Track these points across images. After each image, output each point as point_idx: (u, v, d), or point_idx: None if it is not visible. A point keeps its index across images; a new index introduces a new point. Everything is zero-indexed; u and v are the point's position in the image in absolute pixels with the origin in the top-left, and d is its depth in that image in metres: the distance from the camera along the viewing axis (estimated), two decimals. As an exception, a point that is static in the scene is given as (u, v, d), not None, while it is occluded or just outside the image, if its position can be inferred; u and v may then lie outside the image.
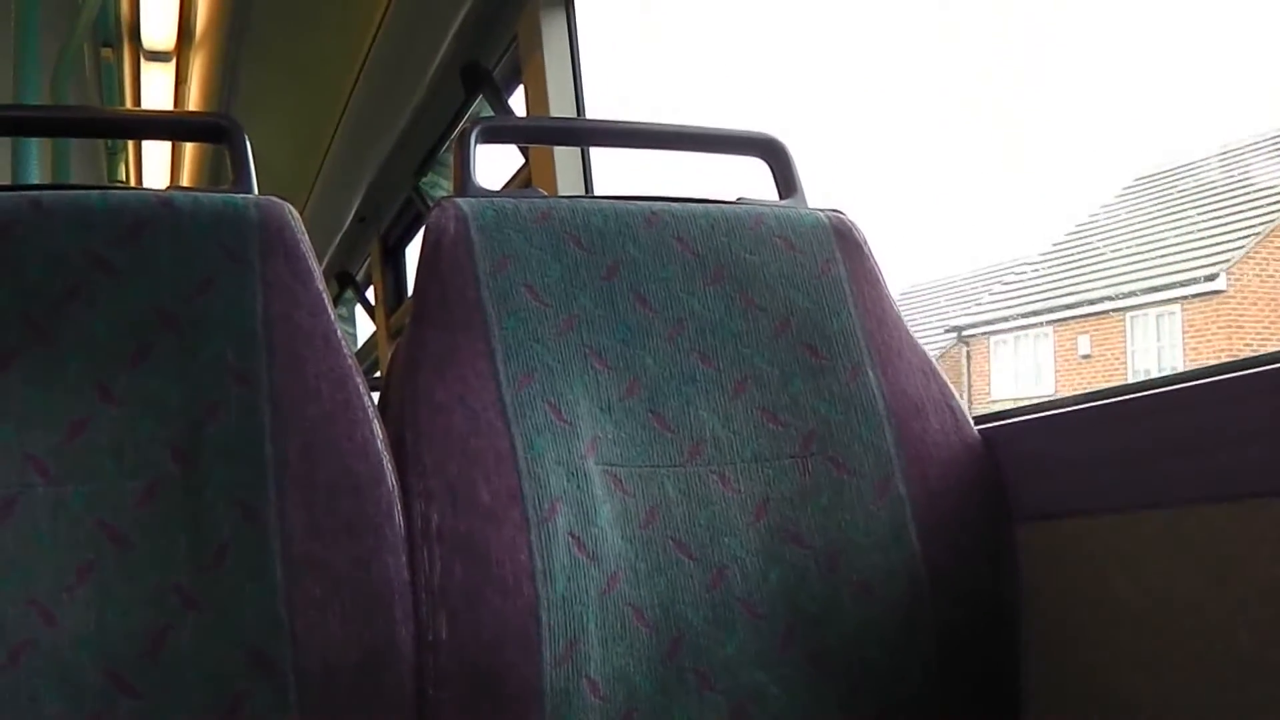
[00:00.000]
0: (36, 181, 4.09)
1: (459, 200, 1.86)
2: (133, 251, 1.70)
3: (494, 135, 2.04)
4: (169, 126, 2.22)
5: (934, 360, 1.97)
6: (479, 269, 1.80)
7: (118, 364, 1.65)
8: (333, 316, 1.73)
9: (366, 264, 5.86)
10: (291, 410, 1.65)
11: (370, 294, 5.92)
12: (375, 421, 1.69)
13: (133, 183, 6.68)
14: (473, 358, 1.74)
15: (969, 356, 21.50)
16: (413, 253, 5.52)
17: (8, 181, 4.05)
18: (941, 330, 22.29)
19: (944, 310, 23.62)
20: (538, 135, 2.66)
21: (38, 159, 4.03)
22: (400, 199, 5.03)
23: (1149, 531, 1.64)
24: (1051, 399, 1.97)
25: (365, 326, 6.42)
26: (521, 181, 3.64)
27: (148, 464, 1.61)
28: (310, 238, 1.79)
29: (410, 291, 5.58)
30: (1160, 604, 1.63)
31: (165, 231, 1.72)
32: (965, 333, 21.76)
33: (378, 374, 5.67)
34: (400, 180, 4.78)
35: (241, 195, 1.78)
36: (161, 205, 1.73)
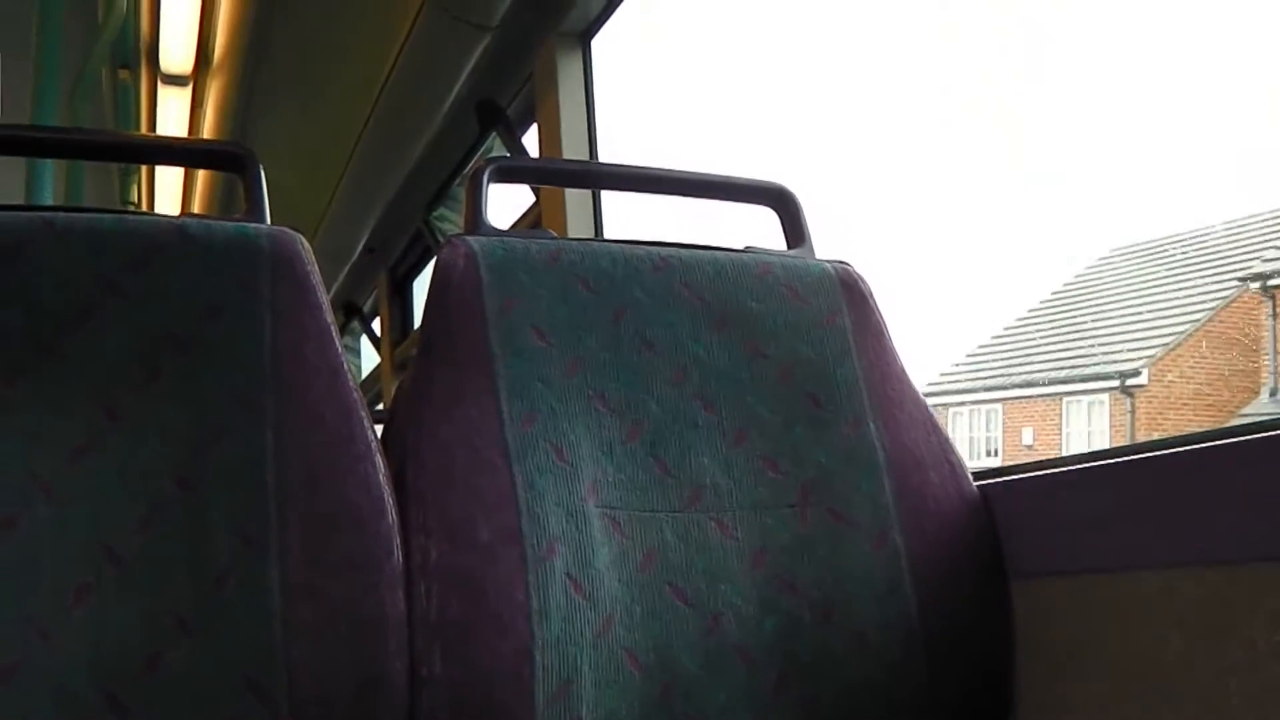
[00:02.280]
0: (50, 201, 4.11)
1: (469, 238, 1.87)
2: (144, 276, 1.71)
3: (507, 175, 2.05)
4: (185, 153, 2.24)
5: (935, 414, 1.98)
6: (487, 307, 1.81)
7: (125, 387, 1.65)
8: (340, 349, 1.74)
9: (374, 295, 5.88)
10: (295, 440, 1.66)
11: (376, 325, 5.93)
12: (378, 455, 1.69)
13: (144, 205, 6.70)
14: (477, 396, 1.75)
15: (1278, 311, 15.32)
16: (420, 286, 5.54)
17: (21, 200, 4.07)
18: (1233, 280, 16.88)
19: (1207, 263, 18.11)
20: (550, 177, 2.67)
21: (52, 178, 4.04)
22: (410, 232, 5.04)
23: (1143, 592, 1.65)
24: (1049, 459, 1.98)
25: (370, 357, 6.43)
26: (532, 220, 3.66)
27: (150, 488, 1.62)
28: (318, 267, 1.80)
29: (417, 325, 5.60)
30: (1153, 665, 1.63)
31: (177, 258, 1.73)
32: (1272, 282, 15.60)
33: (381, 406, 5.69)
34: (410, 213, 4.80)
35: (254, 225, 1.79)
36: (174, 232, 1.74)
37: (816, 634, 1.78)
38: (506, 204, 4.04)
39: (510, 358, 1.78)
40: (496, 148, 4.18)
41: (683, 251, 1.97)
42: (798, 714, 1.75)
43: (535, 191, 3.68)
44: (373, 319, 6.12)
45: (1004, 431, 20.10)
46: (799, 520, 1.83)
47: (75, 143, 2.07)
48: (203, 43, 4.71)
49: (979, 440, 20.51)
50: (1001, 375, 20.63)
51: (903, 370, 1.99)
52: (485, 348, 1.78)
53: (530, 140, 3.83)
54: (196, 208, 6.34)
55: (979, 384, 21.11)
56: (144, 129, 5.61)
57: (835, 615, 1.79)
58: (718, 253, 2.00)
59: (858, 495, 1.86)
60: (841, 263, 2.06)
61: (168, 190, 6.61)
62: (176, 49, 4.84)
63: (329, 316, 1.76)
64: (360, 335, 6.45)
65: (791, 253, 2.07)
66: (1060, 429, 18.65)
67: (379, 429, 1.78)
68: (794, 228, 2.11)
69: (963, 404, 21.04)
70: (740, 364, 1.90)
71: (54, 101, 3.97)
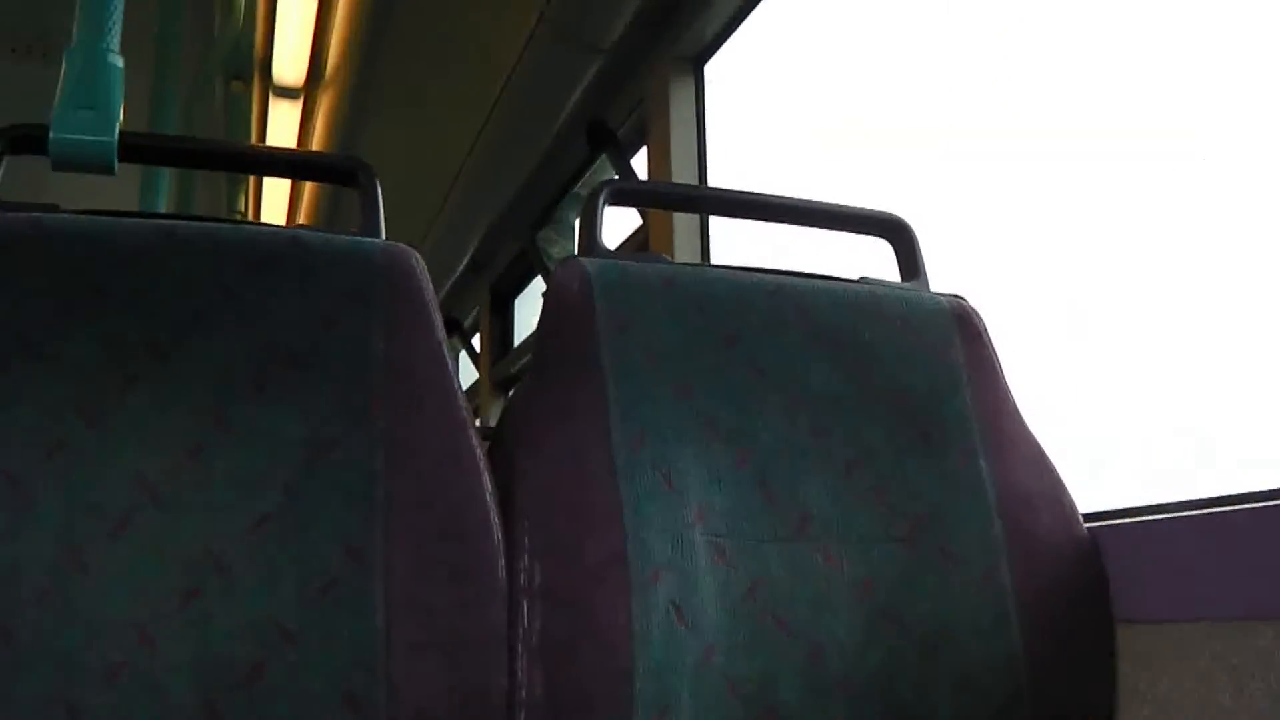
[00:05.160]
0: (163, 208, 4.16)
1: (584, 260, 1.87)
2: (259, 285, 1.72)
3: (621, 198, 2.05)
4: (303, 166, 2.25)
5: (1048, 454, 1.95)
6: (599, 329, 1.80)
7: (236, 394, 1.66)
8: (450, 366, 1.74)
9: (475, 311, 5.90)
10: (404, 454, 1.66)
11: (475, 341, 5.96)
12: (485, 474, 1.69)
13: (251, 214, 6.77)
14: (587, 416, 1.75)
15: None
16: (522, 304, 5.57)
17: (134, 206, 4.13)
18: None
19: None
20: (663, 201, 2.66)
21: (165, 186, 4.10)
22: (514, 250, 5.06)
23: (1258, 644, 1.61)
24: (1160, 503, 1.95)
25: (466, 372, 6.47)
26: (638, 243, 3.66)
27: (258, 495, 1.62)
28: None
29: (517, 343, 5.61)
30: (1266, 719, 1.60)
31: (293, 268, 1.74)
32: None
33: (478, 422, 5.71)
34: (516, 231, 4.82)
35: (370, 240, 1.80)
36: (291, 243, 1.75)
37: (920, 671, 1.76)
38: (610, 226, 4.06)
39: (621, 379, 1.78)
40: (602, 169, 4.19)
41: (797, 280, 1.96)
42: None
43: (642, 214, 3.68)
44: (473, 334, 6.15)
45: None
46: (906, 554, 1.81)
47: (198, 152, 2.09)
48: (315, 56, 4.76)
49: None
50: None
51: (1015, 407, 1.97)
52: (597, 369, 1.78)
53: (638, 163, 3.84)
54: (303, 219, 6.40)
55: None
56: (254, 139, 5.67)
57: (940, 653, 1.77)
58: (832, 282, 1.98)
59: (967, 532, 1.84)
60: (956, 297, 2.04)
61: (274, 201, 6.68)
62: (289, 62, 4.89)
63: (441, 333, 1.76)
64: (459, 350, 6.49)
65: (906, 285, 2.06)
66: None
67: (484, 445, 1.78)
68: (909, 260, 2.10)
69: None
70: (851, 394, 1.89)
71: (172, 111, 4.02)
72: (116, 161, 1.70)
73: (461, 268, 5.38)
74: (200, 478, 1.61)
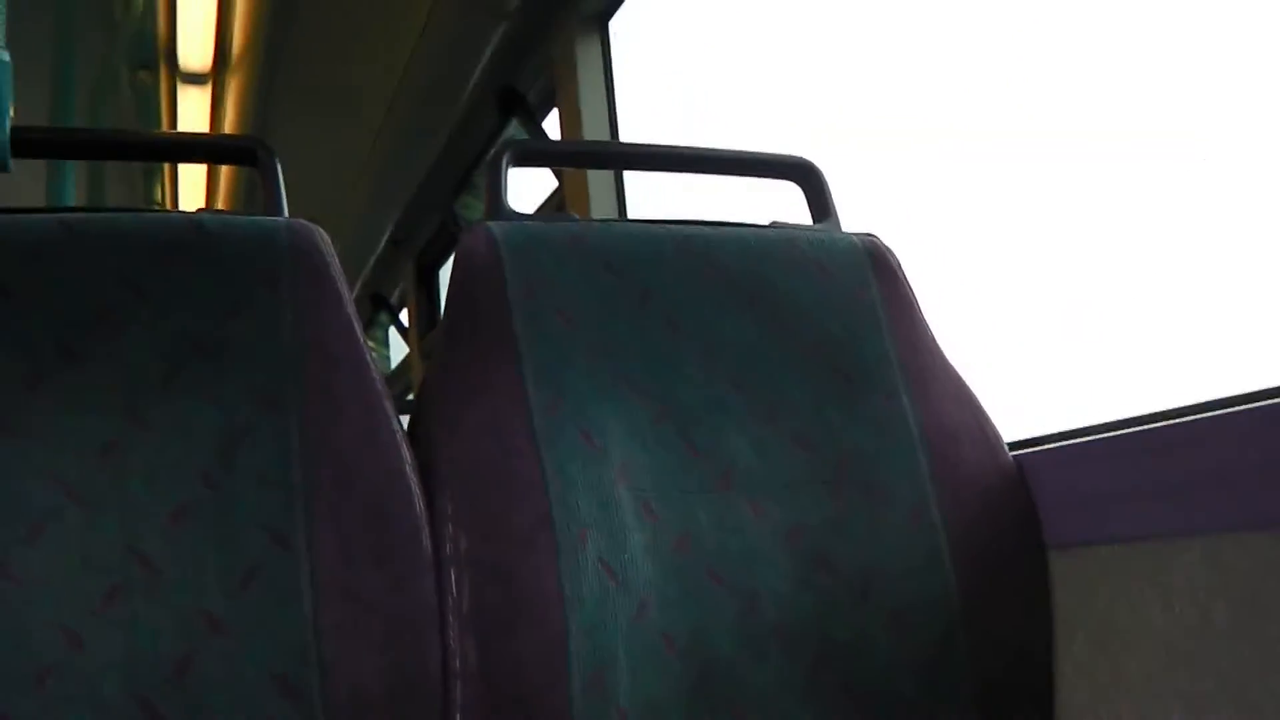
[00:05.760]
0: (72, 203, 4.11)
1: (490, 224, 1.85)
2: (164, 275, 1.69)
3: (526, 158, 2.03)
4: (201, 149, 2.22)
5: (969, 386, 1.95)
6: (510, 293, 1.79)
7: (148, 388, 1.64)
8: (363, 341, 1.73)
9: (401, 286, 5.88)
10: (321, 435, 1.65)
11: (404, 316, 5.93)
12: (404, 447, 1.68)
13: (168, 205, 6.71)
14: (503, 383, 1.74)
15: None
16: (447, 275, 5.55)
17: (43, 203, 4.08)
18: None
19: None
20: (569, 159, 2.65)
21: (75, 181, 4.04)
22: (435, 222, 5.04)
23: (1187, 560, 1.62)
24: (1085, 426, 1.96)
25: (400, 348, 6.44)
26: (555, 205, 3.65)
27: (177, 488, 1.61)
28: (345, 260, 1.78)
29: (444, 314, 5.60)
30: (1198, 635, 1.61)
31: (196, 255, 1.71)
32: None
33: (411, 396, 5.69)
34: (435, 203, 4.79)
35: (272, 219, 1.78)
36: (192, 228, 1.73)
37: (854, 613, 1.76)
38: (534, 190, 4.06)
39: (535, 343, 1.77)
40: (518, 135, 4.18)
41: (707, 230, 1.95)
42: (838, 695, 1.73)
43: (558, 176, 3.67)
44: (400, 310, 6.13)
45: None
46: (833, 498, 1.81)
47: (93, 143, 2.06)
48: (220, 40, 4.70)
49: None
50: None
51: (934, 342, 1.97)
52: (509, 334, 1.77)
53: (552, 126, 3.83)
54: (221, 205, 6.34)
55: None
56: (165, 128, 5.61)
57: (872, 593, 1.77)
58: (743, 229, 1.98)
59: (892, 470, 1.84)
60: (869, 236, 2.04)
61: (191, 190, 6.60)
62: (194, 48, 4.82)
63: (351, 308, 1.75)
64: (390, 327, 6.46)
65: (817, 227, 2.05)
66: None
67: (406, 419, 1.76)
68: (819, 201, 2.09)
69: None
70: (769, 342, 1.88)
71: (72, 104, 3.97)
72: (9, 158, 1.67)
73: (384, 243, 5.35)
74: (116, 474, 1.59)
